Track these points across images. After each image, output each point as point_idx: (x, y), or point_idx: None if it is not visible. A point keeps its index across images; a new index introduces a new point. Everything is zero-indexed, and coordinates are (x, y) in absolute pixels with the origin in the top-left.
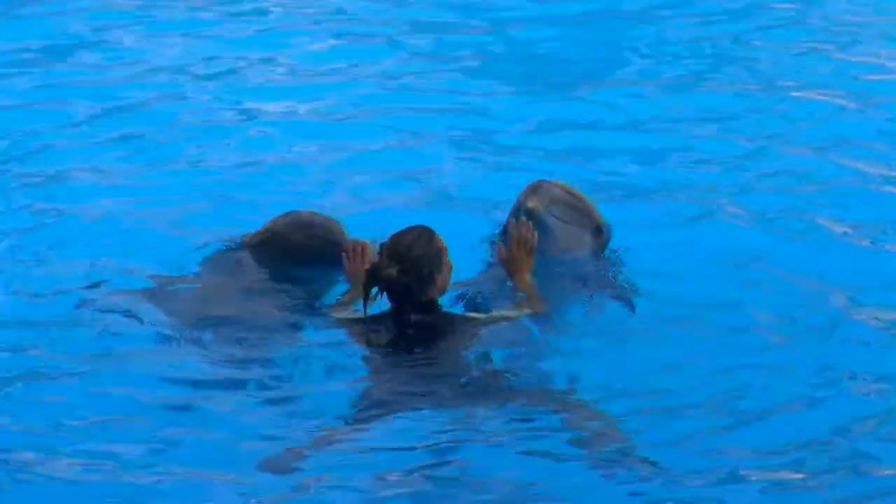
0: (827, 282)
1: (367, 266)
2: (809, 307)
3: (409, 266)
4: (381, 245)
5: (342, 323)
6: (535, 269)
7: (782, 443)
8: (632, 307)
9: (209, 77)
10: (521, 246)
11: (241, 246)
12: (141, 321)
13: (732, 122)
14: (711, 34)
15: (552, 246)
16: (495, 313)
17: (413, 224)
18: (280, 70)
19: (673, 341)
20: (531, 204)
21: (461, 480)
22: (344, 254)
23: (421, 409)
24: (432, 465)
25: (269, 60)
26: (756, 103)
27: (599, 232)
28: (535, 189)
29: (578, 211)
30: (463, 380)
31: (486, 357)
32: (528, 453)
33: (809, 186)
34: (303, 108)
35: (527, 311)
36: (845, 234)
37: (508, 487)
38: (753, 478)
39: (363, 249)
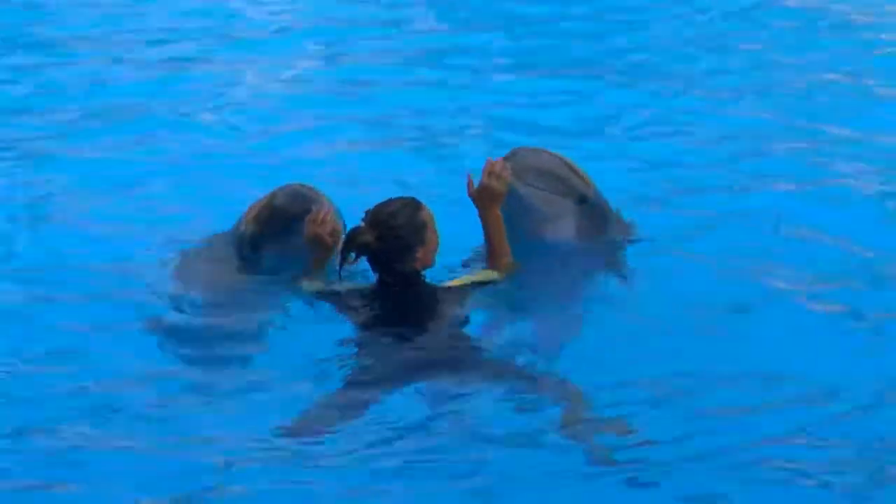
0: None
1: (324, 231)
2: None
3: (388, 234)
4: (366, 211)
5: (324, 297)
6: (514, 246)
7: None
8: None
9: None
10: (491, 177)
11: (239, 224)
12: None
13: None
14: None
15: (530, 217)
16: (477, 277)
17: (403, 195)
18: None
19: (671, 323)
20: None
21: (447, 458)
22: (306, 220)
23: (406, 383)
24: (416, 441)
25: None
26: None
27: (584, 200)
28: (508, 157)
29: (558, 178)
30: (448, 353)
31: (467, 327)
32: (513, 433)
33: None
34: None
35: (499, 272)
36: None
37: (495, 466)
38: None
39: (325, 216)
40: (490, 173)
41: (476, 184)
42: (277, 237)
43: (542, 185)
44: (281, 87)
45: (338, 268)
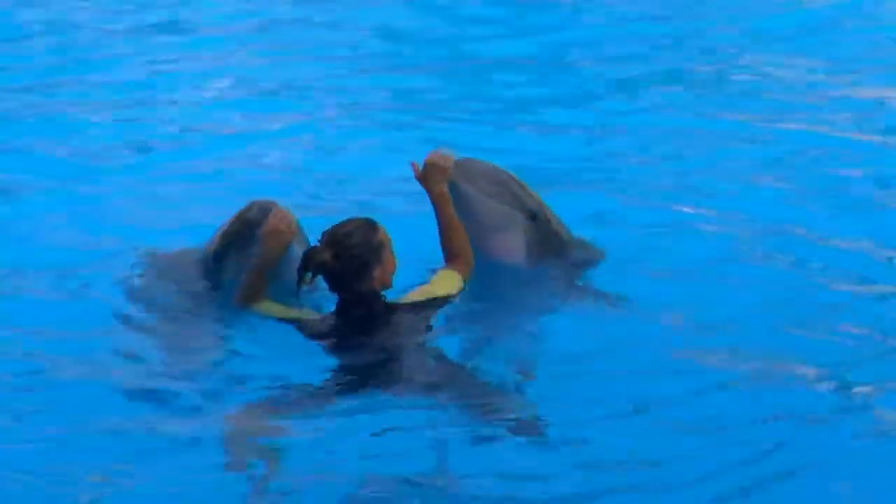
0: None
1: (282, 225)
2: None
3: (344, 253)
4: (323, 232)
5: (286, 320)
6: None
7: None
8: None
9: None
10: (434, 156)
11: (211, 239)
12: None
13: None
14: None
15: (477, 223)
16: (438, 288)
17: (359, 215)
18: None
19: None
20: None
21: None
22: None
23: (360, 398)
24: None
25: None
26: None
27: (535, 217)
28: (457, 164)
29: (509, 190)
30: (405, 371)
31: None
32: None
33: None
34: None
35: (459, 270)
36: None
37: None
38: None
39: (286, 214)
40: (433, 154)
41: (420, 167)
42: (241, 247)
43: (491, 191)
44: (249, 96)
45: (296, 288)
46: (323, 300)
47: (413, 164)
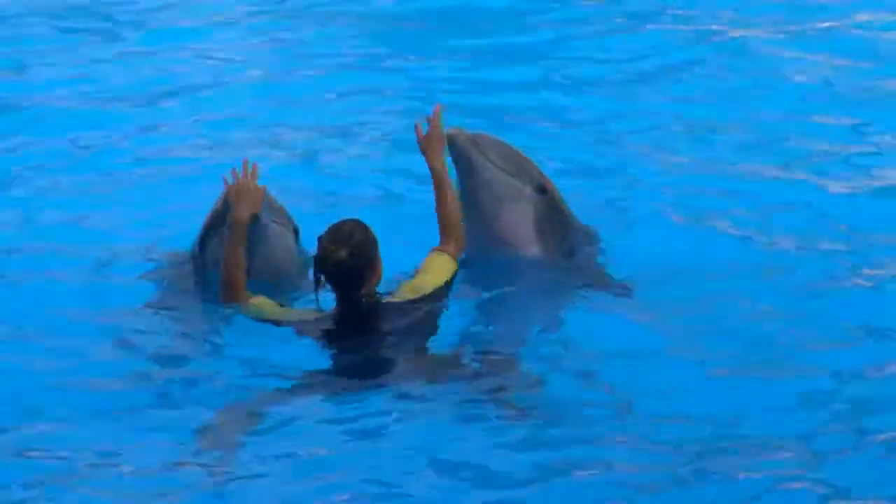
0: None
1: (250, 182)
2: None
3: (356, 251)
4: (319, 238)
5: (281, 323)
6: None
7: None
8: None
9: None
10: (437, 123)
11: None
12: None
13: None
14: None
15: (487, 192)
16: (427, 281)
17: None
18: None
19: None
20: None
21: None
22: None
23: (362, 392)
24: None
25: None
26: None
27: (543, 191)
28: (470, 136)
29: (519, 164)
30: (410, 362)
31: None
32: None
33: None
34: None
35: (451, 246)
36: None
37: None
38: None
39: (253, 167)
40: (437, 117)
41: (424, 131)
42: (221, 229)
43: (501, 163)
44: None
45: (314, 292)
46: (311, 301)
47: (416, 126)
